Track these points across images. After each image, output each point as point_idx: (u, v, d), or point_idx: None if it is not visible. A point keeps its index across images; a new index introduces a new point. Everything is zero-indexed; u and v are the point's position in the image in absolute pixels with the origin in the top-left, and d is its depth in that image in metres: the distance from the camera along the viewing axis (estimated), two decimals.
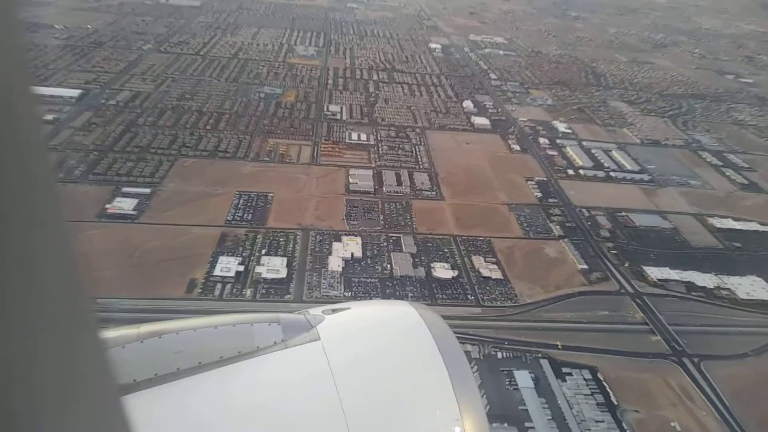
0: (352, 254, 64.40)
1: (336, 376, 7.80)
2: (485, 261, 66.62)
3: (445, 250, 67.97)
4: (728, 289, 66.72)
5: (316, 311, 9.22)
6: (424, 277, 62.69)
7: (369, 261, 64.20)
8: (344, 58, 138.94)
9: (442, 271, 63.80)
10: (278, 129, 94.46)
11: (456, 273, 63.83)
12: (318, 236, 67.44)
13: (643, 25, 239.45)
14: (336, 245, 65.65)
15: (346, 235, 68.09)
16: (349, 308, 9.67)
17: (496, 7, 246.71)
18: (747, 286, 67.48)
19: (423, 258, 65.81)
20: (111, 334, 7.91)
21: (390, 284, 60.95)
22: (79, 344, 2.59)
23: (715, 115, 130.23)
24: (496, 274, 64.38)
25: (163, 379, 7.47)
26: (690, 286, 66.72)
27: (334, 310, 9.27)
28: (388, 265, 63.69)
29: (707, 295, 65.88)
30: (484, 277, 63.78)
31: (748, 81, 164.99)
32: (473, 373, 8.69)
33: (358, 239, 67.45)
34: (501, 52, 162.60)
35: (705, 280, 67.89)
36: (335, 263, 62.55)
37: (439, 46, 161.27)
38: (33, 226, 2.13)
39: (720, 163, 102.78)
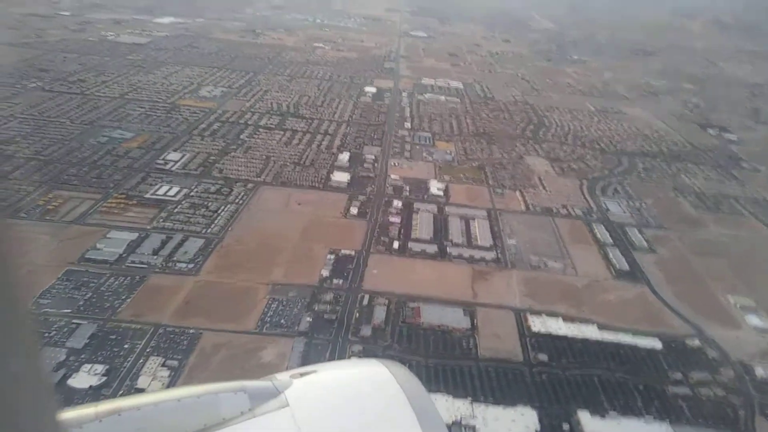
0: None
1: None
2: (164, 364, 52.52)
3: (125, 346, 54.38)
4: (472, 427, 49.32)
5: (283, 376, 8.99)
6: (56, 382, 49.37)
7: None
8: (246, 101, 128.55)
9: (86, 377, 50.23)
10: (77, 179, 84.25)
11: (103, 381, 50.06)
12: None
13: (649, 70, 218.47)
14: None
15: None
16: (315, 371, 9.33)
17: (490, 48, 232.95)
18: (503, 423, 49.69)
19: (82, 356, 52.52)
20: (68, 414, 7.31)
21: None
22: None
23: (656, 178, 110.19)
24: (157, 385, 50.15)
25: None
26: None
27: (302, 374, 8.97)
28: None
29: None
30: (137, 389, 49.72)
31: (731, 137, 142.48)
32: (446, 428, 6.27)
33: None
34: (442, 98, 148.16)
35: (449, 408, 50.78)
36: None
37: (374, 90, 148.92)
38: None
39: (610, 241, 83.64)
